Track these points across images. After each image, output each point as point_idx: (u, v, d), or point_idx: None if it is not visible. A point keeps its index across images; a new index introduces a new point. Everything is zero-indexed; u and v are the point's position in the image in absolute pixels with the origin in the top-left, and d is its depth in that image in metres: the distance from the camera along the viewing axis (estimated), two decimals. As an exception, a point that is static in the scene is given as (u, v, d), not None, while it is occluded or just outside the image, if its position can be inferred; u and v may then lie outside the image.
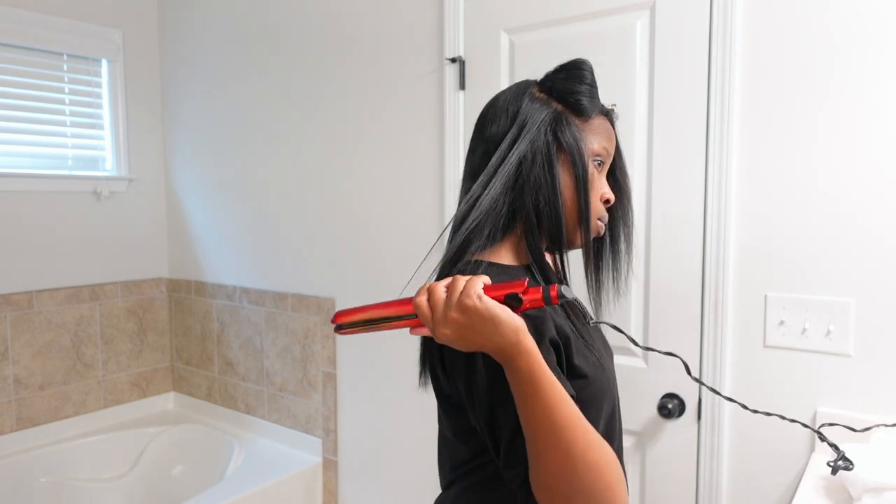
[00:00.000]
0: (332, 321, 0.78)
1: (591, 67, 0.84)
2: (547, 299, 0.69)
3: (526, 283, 0.69)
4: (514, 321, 0.66)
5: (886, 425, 1.11)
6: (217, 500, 1.94)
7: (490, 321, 0.65)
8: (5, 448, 2.32)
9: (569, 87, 0.83)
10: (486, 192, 0.80)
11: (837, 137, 1.28)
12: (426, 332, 0.72)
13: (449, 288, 0.67)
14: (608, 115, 0.87)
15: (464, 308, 0.65)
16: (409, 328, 0.74)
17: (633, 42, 1.50)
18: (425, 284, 0.71)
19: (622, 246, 0.94)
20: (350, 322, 0.77)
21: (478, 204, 0.81)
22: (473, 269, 0.79)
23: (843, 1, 1.26)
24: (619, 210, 0.93)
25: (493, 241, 0.81)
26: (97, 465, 2.45)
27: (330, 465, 2.23)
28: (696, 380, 0.77)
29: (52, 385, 2.45)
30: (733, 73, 1.37)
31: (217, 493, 1.99)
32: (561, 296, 0.69)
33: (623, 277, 0.94)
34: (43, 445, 2.39)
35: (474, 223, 0.80)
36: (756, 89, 1.36)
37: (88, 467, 2.43)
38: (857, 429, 0.95)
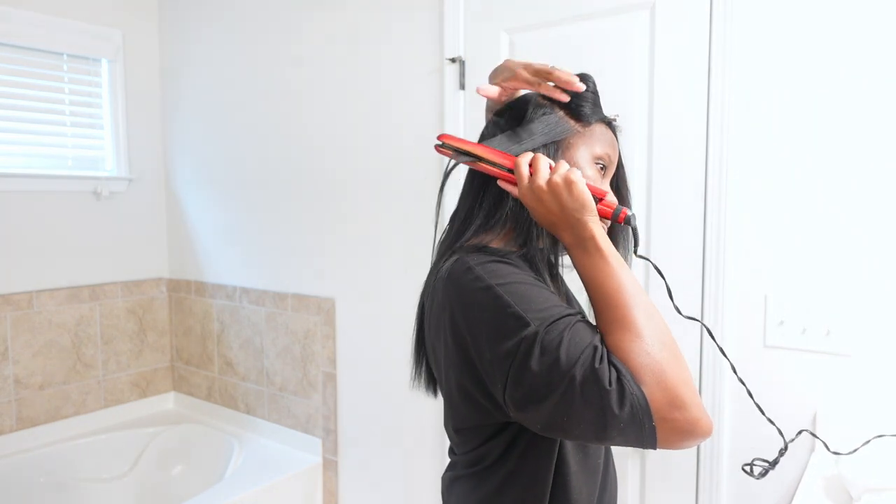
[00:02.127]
0: (438, 138, 0.82)
1: (594, 80, 0.88)
2: (616, 215, 0.78)
3: (609, 194, 0.80)
4: (590, 200, 0.75)
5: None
6: (217, 500, 1.94)
7: (579, 198, 0.74)
8: (5, 448, 2.32)
9: (571, 94, 0.86)
10: (482, 182, 0.86)
11: (837, 136, 1.28)
12: (512, 189, 0.80)
13: (551, 167, 0.78)
14: (610, 124, 0.88)
15: (565, 177, 0.75)
16: (498, 178, 0.81)
17: (633, 42, 1.50)
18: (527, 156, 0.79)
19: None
20: (454, 146, 0.81)
21: (472, 193, 0.86)
22: (470, 252, 0.80)
23: (843, 0, 1.26)
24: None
25: (486, 227, 0.84)
26: (97, 465, 2.45)
27: (330, 465, 2.23)
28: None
29: (52, 385, 2.45)
30: (733, 72, 1.37)
31: (217, 493, 1.99)
32: (628, 219, 0.78)
33: None
34: (43, 445, 2.39)
35: (469, 210, 0.86)
36: (756, 88, 1.36)
37: (88, 467, 2.43)
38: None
